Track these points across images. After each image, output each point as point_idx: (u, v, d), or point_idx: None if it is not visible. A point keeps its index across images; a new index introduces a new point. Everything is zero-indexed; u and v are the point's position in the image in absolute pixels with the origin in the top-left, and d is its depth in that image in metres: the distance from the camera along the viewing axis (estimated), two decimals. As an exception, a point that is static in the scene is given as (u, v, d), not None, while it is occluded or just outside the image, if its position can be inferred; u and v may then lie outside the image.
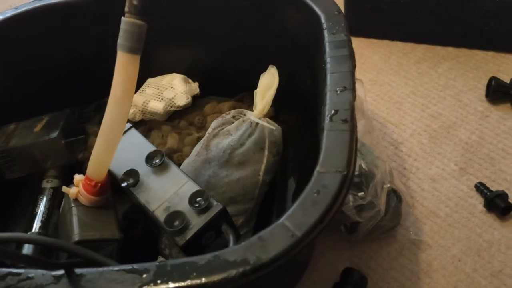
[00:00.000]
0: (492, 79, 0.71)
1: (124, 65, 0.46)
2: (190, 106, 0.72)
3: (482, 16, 0.76)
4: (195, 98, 0.72)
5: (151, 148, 0.57)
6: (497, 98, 0.71)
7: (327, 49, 0.51)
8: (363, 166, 0.55)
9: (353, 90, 0.46)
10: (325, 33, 0.53)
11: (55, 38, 0.68)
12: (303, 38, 0.61)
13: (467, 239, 0.57)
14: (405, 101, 0.76)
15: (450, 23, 0.80)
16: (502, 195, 0.58)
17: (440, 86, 0.76)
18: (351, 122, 0.42)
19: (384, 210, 0.53)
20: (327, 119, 0.43)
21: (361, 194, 0.54)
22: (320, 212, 0.37)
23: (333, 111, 0.44)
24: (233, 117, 0.64)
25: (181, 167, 0.60)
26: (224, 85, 0.73)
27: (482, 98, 0.73)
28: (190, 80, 0.74)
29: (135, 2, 0.45)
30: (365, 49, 0.86)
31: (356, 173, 0.55)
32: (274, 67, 0.62)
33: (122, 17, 0.45)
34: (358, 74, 0.82)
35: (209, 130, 0.63)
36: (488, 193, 0.59)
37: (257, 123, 0.61)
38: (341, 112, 0.43)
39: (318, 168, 0.40)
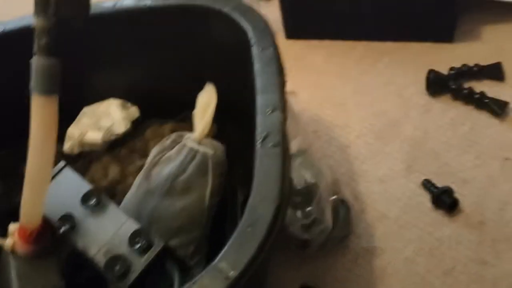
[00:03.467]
0: (430, 72, 0.72)
1: (40, 108, 0.43)
2: (130, 132, 0.69)
3: (415, 8, 0.76)
4: (136, 122, 0.70)
5: (86, 187, 0.54)
6: (437, 91, 0.72)
7: (255, 66, 0.49)
8: (308, 179, 0.54)
9: (283, 110, 0.44)
10: (253, 49, 0.51)
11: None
12: (236, 55, 0.60)
13: (419, 239, 0.57)
14: (349, 101, 0.75)
15: (385, 17, 0.80)
16: (448, 191, 0.59)
17: (382, 83, 0.76)
18: (282, 145, 0.41)
19: (333, 223, 0.53)
20: (258, 144, 0.42)
21: (309, 209, 0.54)
22: (254, 248, 0.35)
23: (264, 135, 0.42)
24: (174, 141, 0.61)
25: (123, 201, 0.57)
26: (166, 106, 0.70)
27: (423, 91, 0.73)
28: (128, 105, 0.71)
29: (43, 41, 0.42)
30: (306, 52, 0.85)
31: (300, 187, 0.55)
32: (211, 85, 0.60)
33: (33, 58, 0.42)
34: (300, 79, 0.81)
35: (149, 158, 0.60)
36: (435, 190, 0.60)
37: (196, 147, 0.59)
38: (272, 136, 0.42)
39: (250, 200, 0.38)
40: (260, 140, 0.42)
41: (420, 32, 0.79)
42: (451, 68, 0.73)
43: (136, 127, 0.69)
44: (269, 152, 0.41)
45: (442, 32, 0.78)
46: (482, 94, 0.68)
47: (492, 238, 0.56)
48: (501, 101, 0.68)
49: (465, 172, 0.63)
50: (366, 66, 0.80)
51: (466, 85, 0.72)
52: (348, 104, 0.75)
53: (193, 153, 0.58)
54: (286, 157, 0.40)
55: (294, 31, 0.87)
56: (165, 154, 0.60)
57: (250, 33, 0.53)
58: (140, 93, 0.72)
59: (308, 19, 0.85)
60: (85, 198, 0.52)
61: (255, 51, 0.51)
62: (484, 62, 0.74)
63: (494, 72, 0.72)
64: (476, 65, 0.72)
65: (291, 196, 0.43)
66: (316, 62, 0.83)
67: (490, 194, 0.60)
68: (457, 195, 0.60)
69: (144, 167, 0.60)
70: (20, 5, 0.63)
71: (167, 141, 0.62)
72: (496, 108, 0.67)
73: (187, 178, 0.57)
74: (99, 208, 0.52)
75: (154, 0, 0.63)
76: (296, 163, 0.58)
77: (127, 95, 0.71)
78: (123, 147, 0.68)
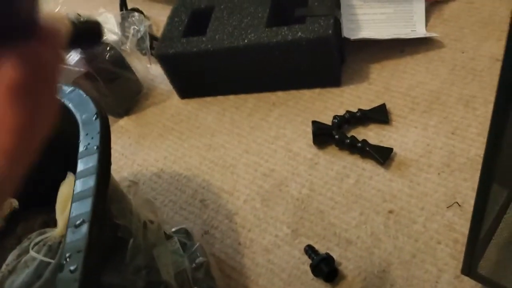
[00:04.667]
0: (313, 123, 0.69)
1: None
2: (5, 229, 0.65)
3: (300, 62, 0.74)
4: (13, 216, 0.66)
5: None
6: (322, 142, 0.69)
7: (78, 164, 0.46)
8: (166, 278, 0.50)
9: (94, 221, 0.40)
10: (80, 144, 0.48)
11: None
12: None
13: (298, 317, 0.53)
14: (238, 162, 0.72)
15: (272, 71, 0.77)
16: (327, 259, 0.55)
17: (272, 138, 0.74)
18: (83, 270, 0.37)
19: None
20: (60, 267, 0.38)
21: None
22: None
23: (66, 256, 0.38)
24: (35, 244, 0.57)
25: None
26: (45, 194, 0.67)
27: (311, 143, 0.70)
28: (4, 197, 0.67)
29: None
30: (200, 110, 0.82)
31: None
32: (72, 174, 0.57)
33: None
34: (192, 142, 0.78)
35: (4, 266, 0.56)
36: (314, 258, 0.56)
37: (59, 243, 0.55)
38: (73, 258, 0.38)
39: None
40: (61, 263, 0.38)
41: (307, 80, 0.77)
42: (334, 117, 0.70)
43: (14, 220, 0.65)
44: (66, 278, 0.37)
45: (329, 78, 0.76)
46: (364, 142, 0.65)
47: (374, 307, 0.53)
48: (384, 148, 0.65)
49: (349, 232, 0.59)
50: (258, 120, 0.77)
51: (352, 132, 0.69)
52: (238, 165, 0.72)
53: (52, 253, 0.54)
54: (86, 283, 0.37)
55: (185, 91, 0.84)
56: (22, 259, 0.56)
57: (80, 126, 0.49)
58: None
59: (195, 81, 0.82)
60: None
61: (80, 146, 0.47)
62: (373, 102, 0.72)
63: (379, 115, 0.69)
64: (359, 110, 0.70)
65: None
66: (209, 121, 0.80)
67: (374, 255, 0.57)
68: (341, 259, 0.57)
69: (-2, 278, 0.55)
70: None
71: (25, 243, 0.58)
72: (378, 156, 0.64)
73: (42, 285, 0.53)
74: None
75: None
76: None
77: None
78: (-6, 247, 0.64)
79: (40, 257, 0.54)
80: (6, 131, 0.14)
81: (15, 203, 0.67)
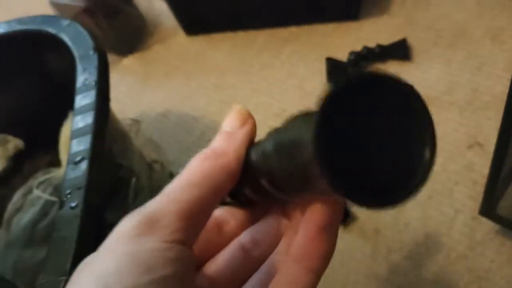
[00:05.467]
0: (328, 60, 0.65)
1: None
2: (11, 168, 0.64)
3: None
4: (21, 156, 0.65)
5: None
6: (337, 80, 0.65)
7: (76, 100, 0.43)
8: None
9: (94, 158, 0.39)
10: (77, 80, 0.45)
11: None
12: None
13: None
14: (248, 102, 0.69)
15: (285, 2, 0.72)
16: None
17: (283, 76, 0.70)
18: (84, 206, 0.36)
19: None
20: (61, 204, 0.37)
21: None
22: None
23: (66, 192, 0.37)
24: (40, 183, 0.56)
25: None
26: (51, 135, 0.65)
27: (325, 82, 0.66)
28: (9, 138, 0.66)
29: None
30: (207, 47, 0.78)
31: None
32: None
33: None
34: (200, 81, 0.75)
35: (10, 204, 0.55)
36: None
37: (65, 183, 0.54)
38: (73, 195, 0.36)
39: (42, 276, 0.34)
40: (62, 199, 0.37)
41: (322, 13, 0.72)
42: (351, 53, 0.65)
43: (19, 161, 0.65)
44: (67, 214, 0.35)
45: (346, 11, 0.71)
46: (382, 79, 0.61)
47: (387, 248, 0.51)
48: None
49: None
50: (268, 57, 0.73)
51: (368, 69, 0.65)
52: (248, 105, 0.68)
53: (57, 193, 0.53)
54: (87, 220, 0.35)
55: (192, 27, 0.79)
56: (28, 197, 0.55)
57: (77, 60, 0.46)
58: (24, 124, 0.67)
59: (203, 14, 0.77)
60: None
61: (78, 81, 0.45)
62: (393, 37, 0.67)
63: (399, 50, 0.65)
64: (378, 45, 0.65)
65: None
66: (217, 59, 0.76)
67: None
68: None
69: (5, 216, 0.55)
70: None
71: (33, 181, 0.57)
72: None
73: (49, 224, 0.52)
74: None
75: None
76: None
77: (9, 128, 0.66)
78: (2, 187, 0.63)
79: (46, 196, 0.54)
80: (318, 258, 0.19)
81: (20, 143, 0.66)
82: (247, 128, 0.21)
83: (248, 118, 0.21)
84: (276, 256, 0.21)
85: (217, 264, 0.21)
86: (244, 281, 0.21)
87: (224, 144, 0.20)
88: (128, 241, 0.17)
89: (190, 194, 0.18)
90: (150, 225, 0.17)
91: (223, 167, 0.19)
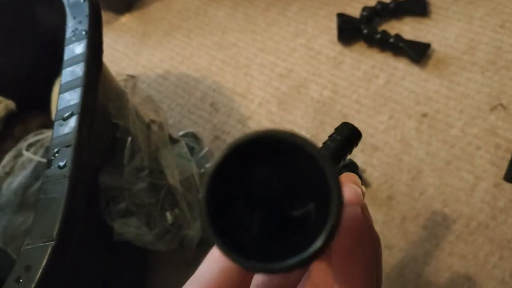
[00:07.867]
0: (338, 16, 0.60)
1: None
2: (2, 132, 0.60)
3: None
4: (11, 119, 0.61)
5: None
6: (348, 38, 0.61)
7: (65, 50, 0.39)
8: (171, 182, 0.45)
9: (85, 114, 0.35)
10: (66, 29, 0.41)
11: None
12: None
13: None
14: (253, 62, 0.64)
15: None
16: (349, 166, 0.50)
17: (290, 35, 0.65)
18: (73, 165, 0.32)
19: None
20: (48, 163, 0.33)
21: (176, 210, 0.46)
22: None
23: (54, 151, 0.33)
24: (31, 144, 0.53)
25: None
26: (43, 96, 0.61)
27: (335, 40, 0.62)
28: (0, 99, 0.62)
29: None
30: (209, 5, 0.73)
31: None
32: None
33: None
34: (201, 41, 0.70)
35: (0, 168, 0.52)
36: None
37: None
38: (61, 153, 0.33)
39: (26, 241, 0.31)
40: (49, 158, 0.33)
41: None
42: (364, 8, 0.60)
43: (10, 124, 0.61)
44: (54, 174, 0.32)
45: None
46: (398, 37, 0.57)
47: (401, 216, 0.48)
48: (421, 43, 0.56)
49: (375, 137, 0.53)
50: (275, 15, 0.68)
51: (384, 26, 0.60)
52: (252, 65, 0.64)
53: (48, 156, 0.50)
54: (76, 181, 0.32)
55: (193, -18, 0.74)
56: (19, 160, 0.52)
57: (67, 8, 0.42)
58: (14, 85, 0.63)
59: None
60: None
61: (68, 31, 0.40)
62: (409, -7, 0.62)
63: (416, 5, 0.60)
64: (393, 0, 0.60)
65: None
66: (219, 17, 0.71)
67: (403, 162, 0.51)
68: (365, 166, 0.52)
69: (-6, 180, 0.52)
70: None
71: (23, 143, 0.53)
72: (413, 53, 0.55)
73: (40, 187, 0.49)
74: None
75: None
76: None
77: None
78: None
79: (37, 158, 0.50)
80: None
81: (12, 104, 0.62)
82: None
83: None
84: None
85: None
86: None
87: None
88: None
89: None
90: None
91: None
